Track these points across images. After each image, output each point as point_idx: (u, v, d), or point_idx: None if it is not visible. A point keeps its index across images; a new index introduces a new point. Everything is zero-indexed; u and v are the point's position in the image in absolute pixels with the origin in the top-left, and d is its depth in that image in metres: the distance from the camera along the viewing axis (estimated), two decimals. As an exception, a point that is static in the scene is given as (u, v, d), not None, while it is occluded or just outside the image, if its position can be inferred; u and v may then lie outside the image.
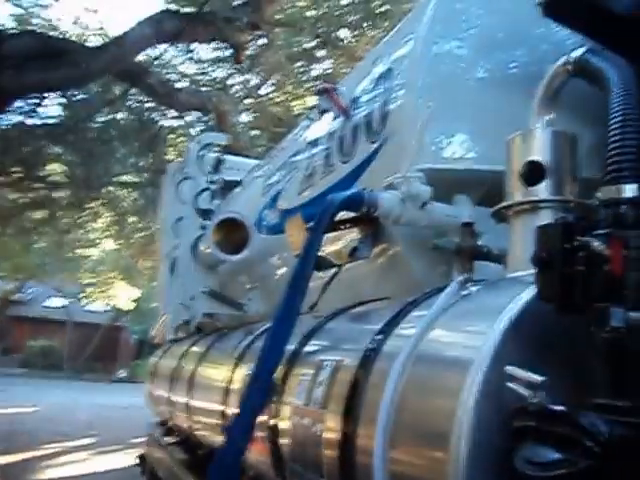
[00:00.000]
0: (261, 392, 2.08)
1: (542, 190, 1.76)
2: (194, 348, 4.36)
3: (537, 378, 1.16)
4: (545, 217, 1.69)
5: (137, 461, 5.41)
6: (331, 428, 1.81)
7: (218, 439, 2.95)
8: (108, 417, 16.76)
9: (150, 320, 34.40)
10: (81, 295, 29.12)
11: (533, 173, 1.77)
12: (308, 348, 2.28)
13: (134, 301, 27.75)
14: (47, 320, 34.75)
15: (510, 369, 1.21)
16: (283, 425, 2.19)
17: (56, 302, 35.11)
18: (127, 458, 10.81)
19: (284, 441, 2.18)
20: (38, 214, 16.53)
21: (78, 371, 31.93)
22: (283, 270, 3.51)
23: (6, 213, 15.51)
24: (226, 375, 3.08)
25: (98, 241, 22.09)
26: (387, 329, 1.79)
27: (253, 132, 13.81)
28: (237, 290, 4.42)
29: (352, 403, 1.72)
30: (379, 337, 1.78)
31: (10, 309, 34.41)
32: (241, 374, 2.87)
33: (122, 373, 32.89)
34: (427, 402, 1.44)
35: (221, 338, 3.91)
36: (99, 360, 33.51)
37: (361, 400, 1.69)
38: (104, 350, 33.67)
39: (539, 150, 1.80)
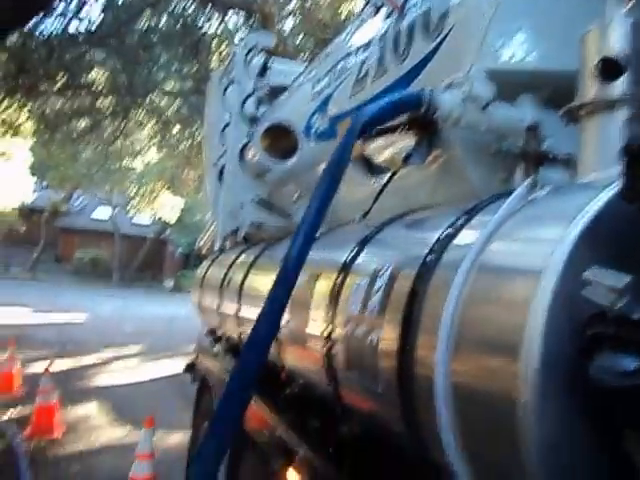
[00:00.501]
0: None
1: (619, 87, 1.62)
2: (243, 257, 4.33)
3: (621, 281, 1.09)
4: (622, 116, 1.58)
5: (187, 369, 5.58)
6: (388, 337, 1.77)
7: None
8: (156, 326, 17.43)
9: (194, 233, 35.11)
10: (128, 206, 29.66)
11: (610, 69, 1.64)
12: (362, 256, 2.22)
13: (179, 213, 28.18)
14: (95, 231, 35.94)
15: (590, 273, 1.14)
16: (337, 334, 2.17)
17: (103, 214, 36.00)
18: (176, 366, 11.27)
19: (338, 351, 2.15)
20: (83, 122, 16.63)
21: (126, 281, 33.03)
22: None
23: (52, 121, 15.64)
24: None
25: (143, 151, 22.23)
26: (447, 236, 1.71)
27: (299, 37, 13.39)
28: (285, 199, 4.38)
29: (411, 312, 1.66)
30: (439, 244, 1.71)
31: (59, 220, 35.43)
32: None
33: (168, 284, 33.96)
34: (494, 312, 1.37)
35: (269, 247, 3.88)
36: (146, 272, 34.52)
37: (421, 309, 1.63)
38: (150, 262, 34.60)
39: (616, 44, 1.65)
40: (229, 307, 4.12)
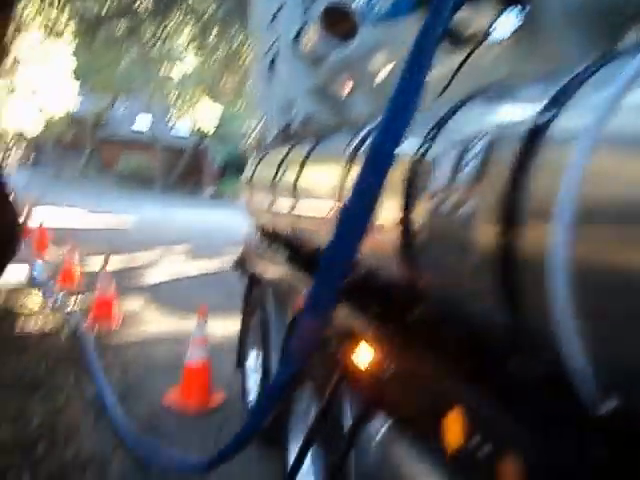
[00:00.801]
0: (379, 172, 1.95)
1: None
2: (295, 152, 4.13)
3: None
4: None
5: (235, 266, 5.71)
6: (486, 210, 1.59)
7: (322, 241, 2.77)
8: (200, 229, 17.87)
9: (232, 142, 35.03)
10: (167, 114, 29.63)
11: None
12: (450, 127, 2.04)
13: (217, 121, 28.05)
14: (136, 141, 36.28)
15: None
16: (418, 212, 2.01)
17: (143, 124, 36.23)
18: (219, 264, 11.67)
19: (420, 229, 2.00)
20: (123, 24, 16.45)
21: (167, 189, 33.44)
22: (394, 64, 3.27)
23: (92, 23, 15.52)
24: (332, 179, 2.89)
25: (181, 57, 21.96)
26: (555, 101, 1.50)
27: None
28: (341, 88, 4.27)
29: (514, 184, 1.47)
30: (546, 111, 1.50)
31: (101, 130, 35.72)
32: (348, 177, 2.67)
33: (208, 192, 34.25)
34: (624, 185, 1.18)
35: (323, 141, 3.69)
36: (186, 180, 34.81)
37: (527, 182, 1.45)
38: (190, 172, 34.86)
39: None
40: (281, 204, 4.01)
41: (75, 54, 22.78)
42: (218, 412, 5.16)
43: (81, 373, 5.75)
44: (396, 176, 2.10)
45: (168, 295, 9.58)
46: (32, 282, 9.30)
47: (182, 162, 34.71)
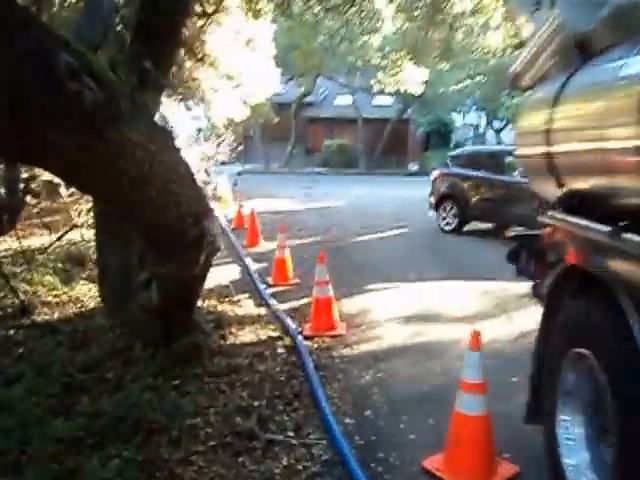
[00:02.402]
0: None
1: None
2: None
3: None
4: None
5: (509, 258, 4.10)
6: None
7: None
8: (411, 209, 16.16)
9: (437, 109, 33.03)
10: (369, 85, 28.40)
11: None
12: None
13: (422, 88, 26.09)
14: (339, 119, 35.59)
15: None
16: None
17: (345, 100, 35.41)
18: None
19: None
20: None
21: (372, 167, 32.53)
22: None
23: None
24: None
25: (380, 20, 20.51)
26: None
27: None
28: None
29: None
30: None
31: (305, 111, 35.72)
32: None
33: (413, 167, 32.76)
34: None
35: None
36: (389, 156, 33.72)
37: None
38: (393, 145, 33.73)
39: None
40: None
41: (275, 39, 22.47)
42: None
43: (304, 408, 4.32)
44: None
45: (396, 291, 7.98)
46: (252, 282, 8.24)
47: (385, 135, 33.33)
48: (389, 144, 33.55)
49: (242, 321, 6.33)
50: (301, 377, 4.87)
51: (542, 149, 3.56)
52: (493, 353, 5.12)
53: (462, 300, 7.36)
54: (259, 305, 7.03)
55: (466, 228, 12.83)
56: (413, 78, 23.90)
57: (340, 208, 17.48)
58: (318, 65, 27.73)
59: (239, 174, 32.98)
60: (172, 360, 4.85)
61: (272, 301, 7.08)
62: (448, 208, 12.95)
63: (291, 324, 6.13)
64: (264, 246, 10.97)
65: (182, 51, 14.03)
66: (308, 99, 34.79)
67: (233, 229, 13.09)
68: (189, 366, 4.89)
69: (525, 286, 4.32)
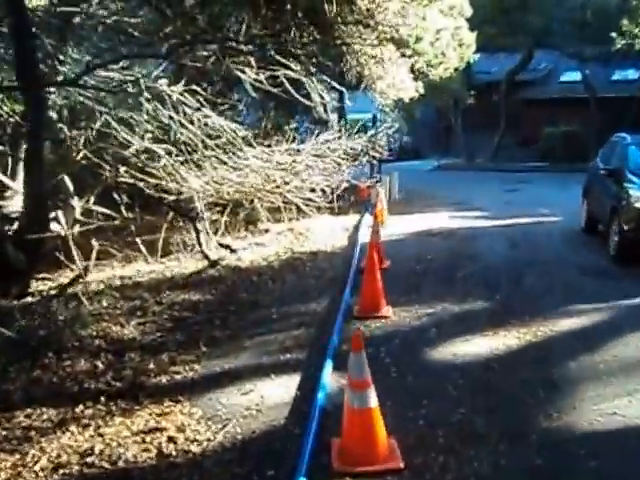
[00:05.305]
0: None
1: None
2: None
3: None
4: None
5: None
6: None
7: None
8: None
9: None
10: (605, 54, 21.92)
11: None
12: None
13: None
14: (564, 100, 29.09)
15: None
16: None
17: (572, 76, 29.17)
18: None
19: None
20: None
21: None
22: None
23: None
24: None
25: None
26: None
27: None
28: None
29: None
30: None
31: (520, 92, 29.71)
32: None
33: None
34: None
35: None
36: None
37: None
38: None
39: None
40: None
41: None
42: None
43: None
44: None
45: None
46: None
47: (630, 117, 26.27)
48: (636, 130, 26.47)
49: None
50: None
51: None
52: None
53: None
54: None
55: None
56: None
57: (552, 229, 11.86)
58: (529, 33, 22.23)
59: (437, 167, 28.03)
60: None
61: None
62: None
63: None
64: (393, 320, 6.07)
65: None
66: (522, 76, 28.97)
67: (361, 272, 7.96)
68: None
69: None
